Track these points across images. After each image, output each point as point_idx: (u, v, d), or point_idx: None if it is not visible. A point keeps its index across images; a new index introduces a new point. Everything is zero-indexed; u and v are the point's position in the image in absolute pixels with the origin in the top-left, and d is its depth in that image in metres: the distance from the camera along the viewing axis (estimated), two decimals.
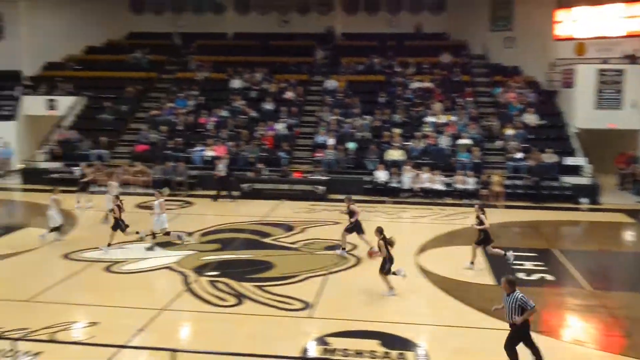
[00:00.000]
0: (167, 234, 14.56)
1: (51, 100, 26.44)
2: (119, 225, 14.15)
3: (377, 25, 30.36)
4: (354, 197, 19.53)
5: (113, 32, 31.30)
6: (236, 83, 27.21)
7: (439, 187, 20.62)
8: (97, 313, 10.28)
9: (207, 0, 30.88)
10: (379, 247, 11.33)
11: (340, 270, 12.77)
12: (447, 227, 16.78)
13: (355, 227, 13.80)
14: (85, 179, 19.40)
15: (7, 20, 28.63)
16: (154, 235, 14.45)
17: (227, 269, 12.76)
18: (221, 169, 20.67)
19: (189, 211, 18.88)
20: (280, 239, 15.32)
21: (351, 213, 13.87)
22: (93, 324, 9.83)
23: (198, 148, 23.03)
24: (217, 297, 11.07)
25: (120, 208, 14.28)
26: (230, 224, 16.85)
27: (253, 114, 25.13)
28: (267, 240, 15.23)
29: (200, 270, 12.62)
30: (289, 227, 16.52)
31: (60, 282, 11.90)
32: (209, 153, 22.59)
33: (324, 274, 12.39)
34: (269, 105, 25.63)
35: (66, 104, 26.42)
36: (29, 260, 13.64)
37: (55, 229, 14.82)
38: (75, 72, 28.90)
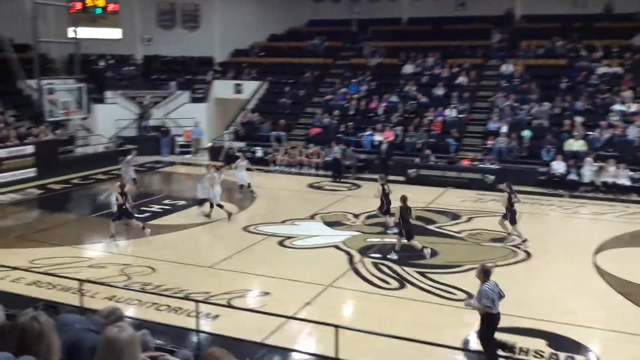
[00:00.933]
0: (212, 205, 15.61)
1: (238, 84, 28.63)
2: (123, 214, 13.81)
3: (562, 5, 28.23)
4: (527, 188, 18.78)
5: (294, 20, 32.87)
6: (408, 68, 27.19)
7: (625, 182, 18.83)
8: (270, 284, 11.09)
9: None
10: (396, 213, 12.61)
11: (508, 264, 12.35)
12: (631, 226, 15.34)
13: (386, 206, 14.62)
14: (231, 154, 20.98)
15: (203, 11, 31.45)
16: (211, 205, 15.58)
17: (390, 252, 12.98)
18: (337, 150, 21.72)
19: (355, 194, 19.40)
20: (445, 227, 15.18)
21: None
22: (265, 293, 10.64)
23: (367, 132, 23.49)
24: (380, 279, 11.35)
25: (125, 196, 13.85)
26: (395, 208, 16.99)
27: (423, 99, 24.96)
28: (431, 227, 15.17)
29: (365, 251, 13.00)
30: (454, 216, 16.29)
31: (239, 252, 12.98)
32: (378, 137, 22.93)
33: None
34: (439, 91, 25.26)
35: (250, 88, 28.44)
36: (214, 230, 15.08)
37: (202, 202, 16.10)
38: (259, 58, 30.97)
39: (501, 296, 7.70)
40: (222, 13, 31.21)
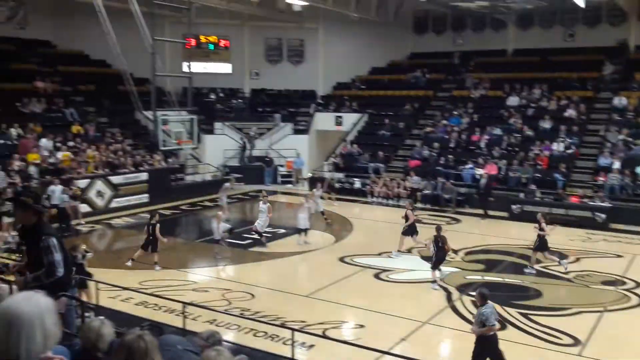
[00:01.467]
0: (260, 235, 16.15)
1: (338, 117, 29.18)
2: (150, 245, 13.97)
3: None
4: None
5: (396, 53, 33.07)
6: (513, 100, 26.47)
7: None
8: (364, 316, 11.05)
9: (488, 17, 30.60)
10: (430, 243, 13.31)
11: (620, 309, 11.55)
12: None
13: (410, 230, 15.30)
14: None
15: (308, 45, 32.46)
16: (260, 234, 16.13)
17: (491, 291, 12.48)
18: (415, 180, 22.32)
19: (455, 228, 18.97)
20: (551, 267, 14.44)
21: (406, 217, 15.34)
22: (360, 326, 10.60)
23: (468, 166, 23.01)
24: None
25: (153, 227, 14.02)
26: (497, 246, 16.48)
27: (529, 132, 24.15)
28: (536, 266, 14.49)
29: (463, 288, 12.65)
30: (561, 255, 15.48)
31: (334, 282, 13.06)
32: (480, 171, 22.39)
33: (600, 311, 11.33)
34: (546, 124, 24.34)
35: (350, 121, 28.89)
36: (311, 259, 15.30)
37: (303, 231, 16.38)
38: (360, 91, 31.42)
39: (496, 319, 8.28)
40: (326, 47, 32.05)
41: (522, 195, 20.79)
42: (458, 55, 31.65)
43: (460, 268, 14.25)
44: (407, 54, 33.52)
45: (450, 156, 23.92)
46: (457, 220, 19.97)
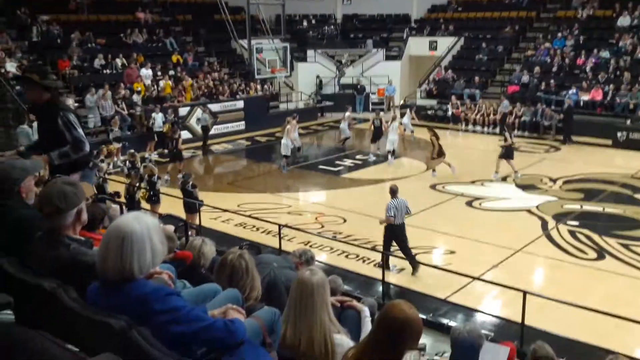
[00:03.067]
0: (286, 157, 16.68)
1: (433, 41, 28.21)
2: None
3: None
4: None
5: None
6: (624, 20, 24.36)
7: None
8: (455, 243, 11.09)
9: None
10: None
11: None
12: None
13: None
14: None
15: None
16: (286, 157, 16.62)
17: (589, 220, 12.16)
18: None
19: (554, 156, 18.29)
20: None
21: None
22: (451, 252, 10.68)
23: (572, 91, 21.74)
24: (576, 247, 10.76)
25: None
26: (598, 174, 15.76)
27: None
28: (639, 196, 13.81)
29: (560, 218, 12.33)
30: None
31: (425, 209, 13.09)
32: (584, 97, 21.13)
33: None
34: None
35: (445, 45, 27.83)
36: (401, 186, 15.06)
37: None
38: (457, 13, 29.99)
39: (408, 213, 9.65)
40: None
41: (628, 122, 19.55)
42: None
43: (558, 197, 13.84)
44: None
45: (552, 81, 22.68)
46: (557, 149, 19.18)
